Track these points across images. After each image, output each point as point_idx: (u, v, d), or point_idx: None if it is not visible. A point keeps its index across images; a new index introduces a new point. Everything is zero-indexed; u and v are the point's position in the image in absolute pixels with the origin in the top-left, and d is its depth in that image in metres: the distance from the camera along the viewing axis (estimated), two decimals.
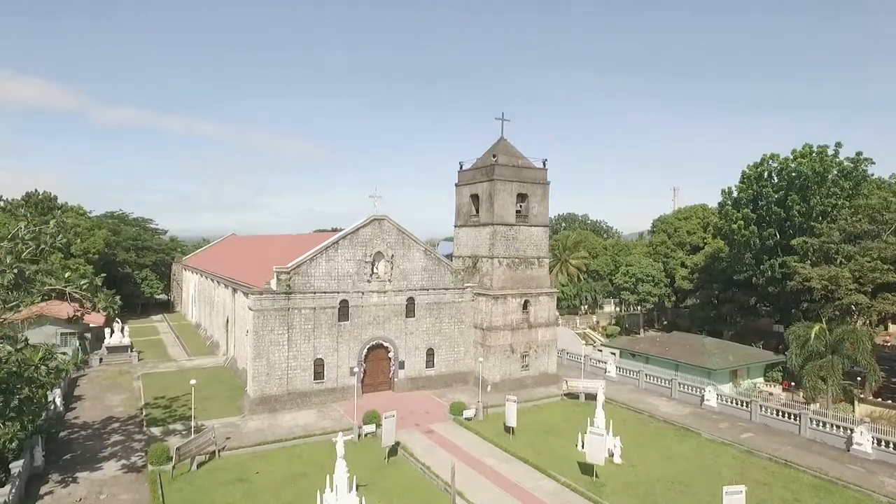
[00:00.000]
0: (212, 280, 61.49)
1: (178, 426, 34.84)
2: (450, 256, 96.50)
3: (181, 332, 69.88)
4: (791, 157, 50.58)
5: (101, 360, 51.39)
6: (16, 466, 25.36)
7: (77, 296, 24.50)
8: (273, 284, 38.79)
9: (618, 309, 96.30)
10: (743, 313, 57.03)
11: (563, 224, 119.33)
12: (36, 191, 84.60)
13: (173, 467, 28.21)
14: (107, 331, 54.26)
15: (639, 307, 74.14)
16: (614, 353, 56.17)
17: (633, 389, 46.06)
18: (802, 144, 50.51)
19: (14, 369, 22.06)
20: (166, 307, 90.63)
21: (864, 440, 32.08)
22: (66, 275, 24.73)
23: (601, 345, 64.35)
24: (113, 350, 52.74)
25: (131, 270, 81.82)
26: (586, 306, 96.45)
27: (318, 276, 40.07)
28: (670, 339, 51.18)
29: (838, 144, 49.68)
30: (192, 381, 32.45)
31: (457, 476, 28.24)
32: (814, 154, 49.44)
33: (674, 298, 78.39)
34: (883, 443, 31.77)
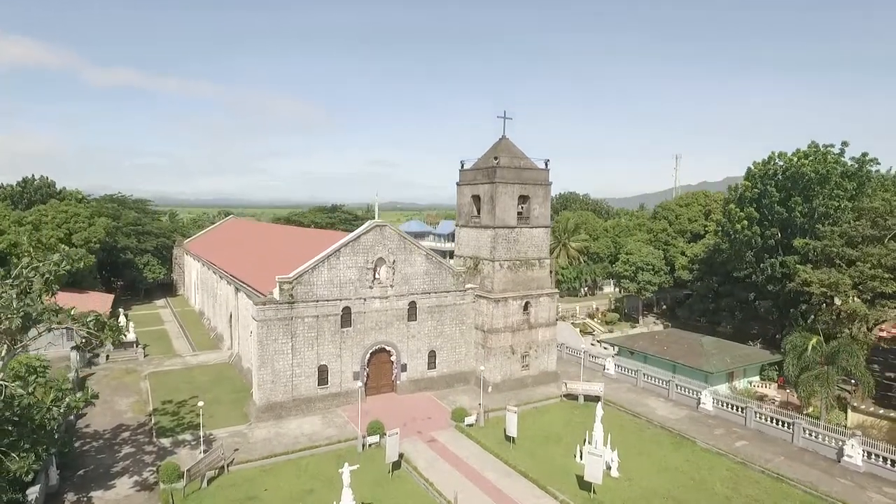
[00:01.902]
0: (214, 272, 61.76)
1: (188, 436, 35.67)
2: (452, 235, 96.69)
3: (185, 320, 70.62)
4: (795, 157, 50.06)
5: (107, 356, 52.11)
6: (32, 492, 26.18)
7: (84, 332, 24.81)
8: (276, 294, 39.05)
9: (617, 289, 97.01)
10: (741, 308, 57.57)
11: (563, 203, 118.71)
12: (32, 176, 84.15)
13: (185, 486, 29.10)
14: None
15: (638, 294, 74.48)
16: (612, 346, 57.07)
17: (630, 388, 46.96)
18: (808, 142, 50.00)
19: (27, 403, 22.56)
20: (169, 289, 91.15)
21: (854, 453, 32.99)
22: (72, 311, 24.91)
23: (600, 337, 65.16)
24: (119, 346, 53.30)
25: (133, 256, 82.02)
26: (586, 288, 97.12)
27: (320, 285, 40.29)
28: (668, 337, 51.85)
29: (844, 143, 49.18)
30: (200, 404, 33.17)
31: (458, 493, 29.36)
32: (818, 154, 48.92)
33: (673, 283, 78.86)
34: (873, 455, 32.70)
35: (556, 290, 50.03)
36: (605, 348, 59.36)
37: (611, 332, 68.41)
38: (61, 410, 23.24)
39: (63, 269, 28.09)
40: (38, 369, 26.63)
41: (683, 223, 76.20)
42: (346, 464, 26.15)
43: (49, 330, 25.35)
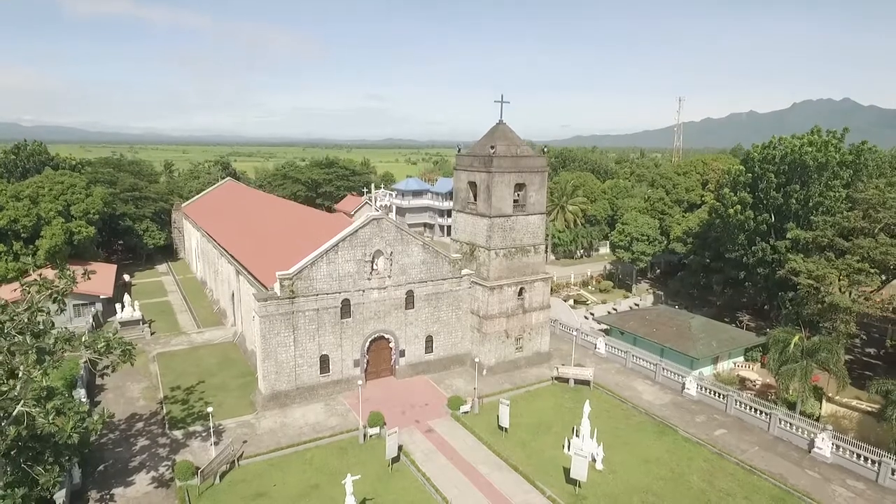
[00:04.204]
0: (214, 247, 62.52)
1: (198, 427, 37.71)
2: (450, 193, 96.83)
3: (187, 289, 72.08)
4: (798, 143, 49.81)
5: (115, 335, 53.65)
6: (59, 496, 28.32)
7: (94, 357, 26.02)
8: (277, 289, 40.11)
9: (612, 253, 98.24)
10: (731, 284, 58.97)
11: (562, 162, 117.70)
12: (25, 141, 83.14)
13: (199, 484, 31.30)
14: (118, 306, 56.27)
15: (633, 263, 75.67)
16: (597, 320, 58.87)
17: (619, 370, 49.04)
18: (812, 127, 49.69)
19: (47, 431, 24.07)
20: (170, 252, 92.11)
21: (824, 445, 35.26)
22: (83, 338, 25.95)
23: (592, 309, 66.90)
24: (126, 324, 54.94)
25: (132, 223, 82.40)
26: (582, 251, 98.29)
27: (319, 279, 41.27)
28: (659, 317, 53.39)
29: (845, 129, 48.89)
30: (210, 409, 34.89)
31: (452, 489, 31.75)
32: (821, 142, 48.68)
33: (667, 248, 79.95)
34: (840, 448, 34.95)
35: (550, 275, 51.11)
36: (599, 322, 61.15)
37: (604, 302, 70.18)
38: (80, 432, 24.75)
39: (69, 286, 28.99)
40: (55, 389, 27.90)
41: (680, 192, 76.32)
42: (349, 475, 28.13)
43: (64, 353, 26.46)
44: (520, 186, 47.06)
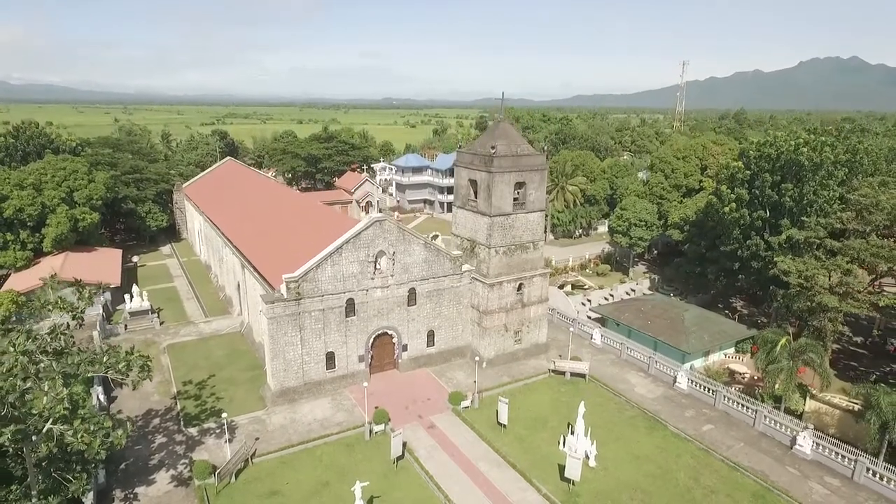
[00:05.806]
0: (218, 235, 63.43)
1: (212, 423, 39.62)
2: (451, 171, 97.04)
3: (192, 273, 73.28)
4: (794, 142, 50.18)
5: (125, 326, 55.28)
6: (87, 498, 30.29)
7: (116, 376, 27.52)
8: (283, 291, 41.37)
9: (611, 236, 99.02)
10: (726, 274, 60.32)
11: (562, 138, 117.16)
12: (23, 123, 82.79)
13: (217, 483, 33.35)
14: (126, 296, 57.61)
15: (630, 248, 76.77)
16: (593, 310, 60.54)
17: (614, 360, 50.91)
18: (810, 126, 49.98)
19: (76, 449, 25.75)
20: (172, 233, 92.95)
21: (805, 443, 37.33)
22: (104, 359, 27.30)
23: (589, 296, 68.45)
24: (135, 315, 56.41)
25: (134, 205, 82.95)
26: (580, 230, 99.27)
27: (324, 280, 42.47)
28: (653, 308, 54.88)
29: (843, 126, 49.22)
30: (224, 415, 36.63)
31: (454, 486, 33.92)
32: (816, 142, 49.07)
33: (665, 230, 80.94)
34: (820, 446, 37.02)
35: (549, 270, 52.37)
36: (595, 312, 62.76)
37: (601, 287, 71.68)
38: (106, 447, 26.43)
39: (86, 305, 30.27)
40: (79, 402, 29.47)
41: (679, 177, 76.78)
42: (358, 482, 30.02)
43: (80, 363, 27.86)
44: (520, 185, 47.73)
